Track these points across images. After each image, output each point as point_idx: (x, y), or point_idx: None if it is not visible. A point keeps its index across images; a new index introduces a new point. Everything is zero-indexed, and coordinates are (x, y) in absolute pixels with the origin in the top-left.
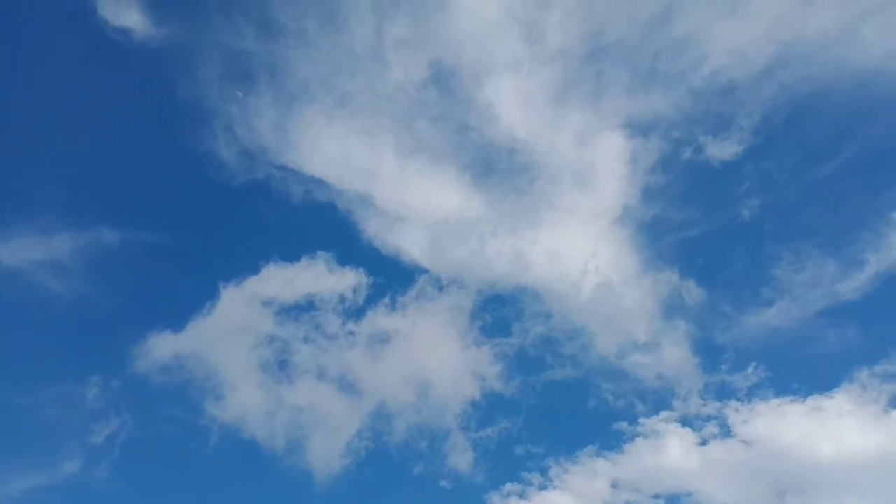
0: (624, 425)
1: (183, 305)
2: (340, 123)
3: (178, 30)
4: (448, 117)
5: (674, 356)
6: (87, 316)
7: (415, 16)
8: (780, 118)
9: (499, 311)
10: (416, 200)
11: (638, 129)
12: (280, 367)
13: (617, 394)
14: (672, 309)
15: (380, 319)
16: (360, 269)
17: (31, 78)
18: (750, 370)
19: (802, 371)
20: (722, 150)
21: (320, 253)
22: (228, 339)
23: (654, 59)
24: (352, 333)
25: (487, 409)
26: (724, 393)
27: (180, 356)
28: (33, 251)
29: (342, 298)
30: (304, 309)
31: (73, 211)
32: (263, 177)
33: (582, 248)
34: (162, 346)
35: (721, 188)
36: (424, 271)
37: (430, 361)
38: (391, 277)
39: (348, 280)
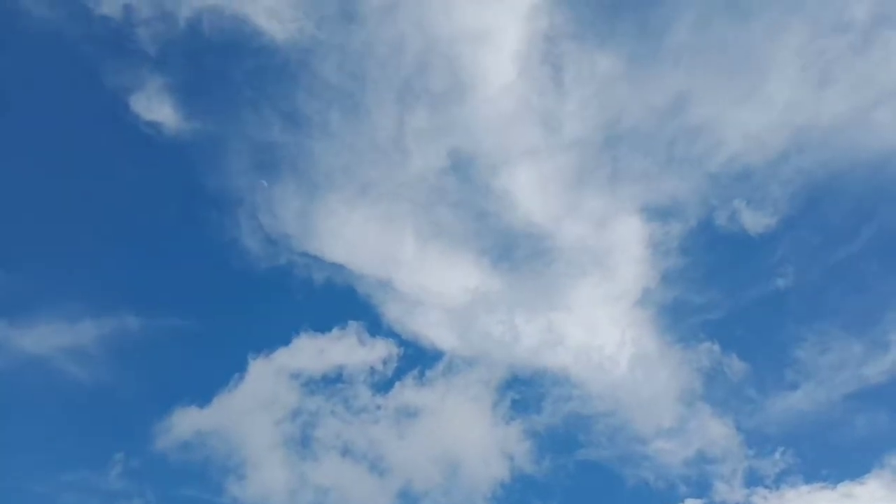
0: None
1: (211, 380)
2: (362, 211)
3: (207, 123)
4: (467, 203)
5: (699, 441)
6: (109, 400)
7: (435, 107)
8: (798, 201)
9: (523, 392)
10: (435, 284)
11: (655, 213)
12: (305, 442)
13: (641, 480)
14: (696, 393)
15: (407, 394)
16: (390, 340)
17: (62, 169)
18: (777, 455)
19: (832, 456)
20: (740, 233)
21: (351, 323)
22: (253, 414)
23: (670, 145)
24: (379, 408)
25: (518, 491)
26: (751, 479)
27: (202, 433)
28: (57, 338)
29: (372, 371)
30: (331, 381)
31: (97, 299)
32: (286, 263)
33: (603, 331)
34: (185, 423)
35: (741, 271)
36: (442, 354)
37: (458, 440)
38: (410, 360)
39: (378, 352)
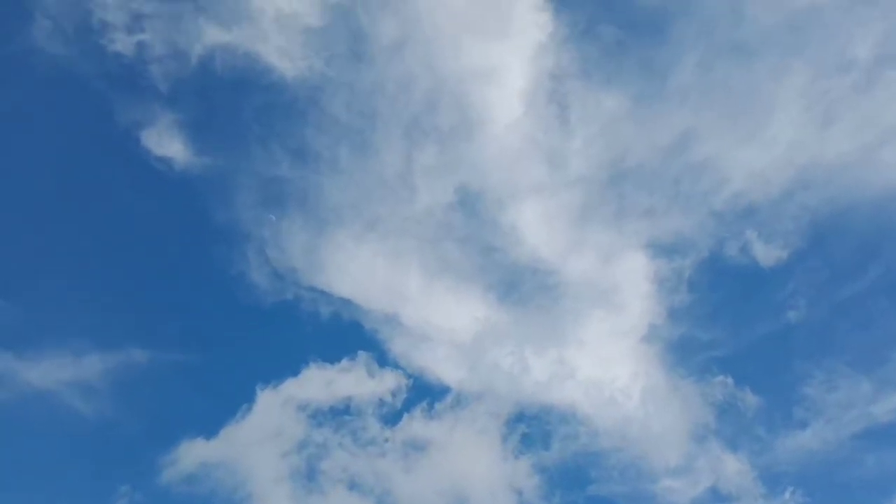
0: None
1: (218, 411)
2: (369, 246)
3: (217, 158)
4: (474, 239)
5: (707, 481)
6: (115, 434)
7: (443, 144)
8: (804, 238)
9: (531, 427)
10: (442, 319)
11: (661, 249)
12: (311, 475)
13: None
14: (707, 428)
15: (415, 427)
16: (399, 372)
17: (72, 202)
18: (787, 495)
19: (842, 497)
20: (746, 270)
21: (360, 353)
22: (261, 445)
23: (675, 182)
24: (387, 440)
25: None
26: None
27: (208, 465)
28: (63, 372)
29: (380, 403)
30: (339, 412)
31: (104, 332)
32: (293, 298)
33: (611, 366)
34: (192, 455)
35: (749, 305)
36: (449, 389)
37: (466, 474)
38: (418, 393)
39: (387, 383)
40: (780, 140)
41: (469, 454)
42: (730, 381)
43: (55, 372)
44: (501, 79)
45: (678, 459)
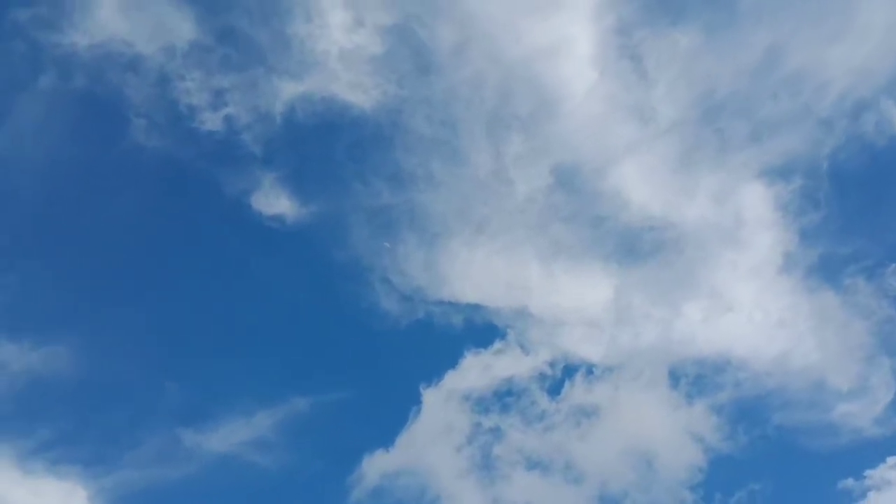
0: (850, 482)
1: (390, 422)
2: (482, 248)
3: (322, 204)
4: (580, 214)
5: (885, 398)
6: (299, 475)
7: (527, 130)
8: None
9: (689, 383)
10: (570, 301)
11: (775, 173)
12: (488, 464)
13: (832, 450)
14: (868, 347)
15: (579, 395)
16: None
17: (208, 282)
18: None
19: None
20: (870, 170)
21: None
22: (434, 444)
23: (772, 101)
24: (556, 412)
25: (718, 473)
26: None
27: (390, 474)
28: (238, 435)
29: (541, 376)
30: (502, 395)
31: (265, 390)
32: (424, 315)
33: (752, 306)
34: (373, 469)
35: (884, 208)
36: (594, 366)
37: (642, 434)
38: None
39: (543, 356)
40: (874, 27)
41: (640, 413)
42: (885, 291)
43: (232, 436)
44: (568, 50)
45: (850, 383)
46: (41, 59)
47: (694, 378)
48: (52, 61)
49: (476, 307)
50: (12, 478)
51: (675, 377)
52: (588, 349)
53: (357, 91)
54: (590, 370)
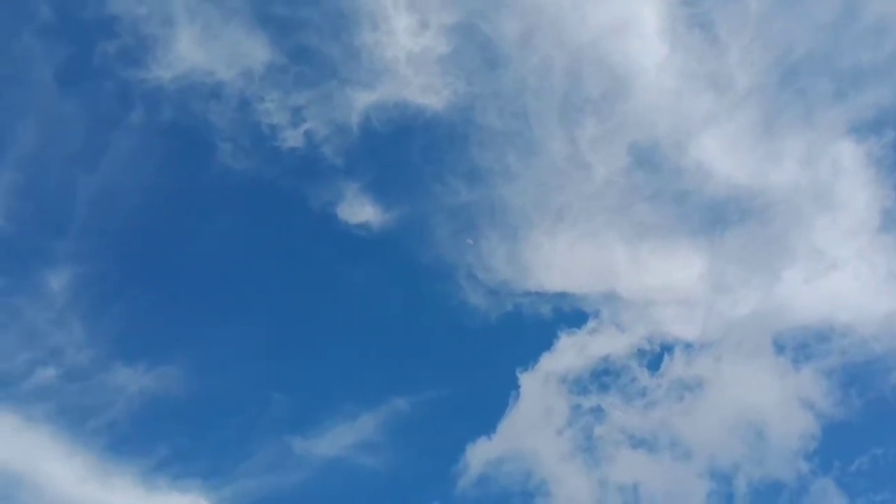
0: None
1: (490, 410)
2: (564, 235)
3: (405, 208)
4: (663, 192)
5: None
6: (405, 472)
7: (600, 113)
8: None
9: (795, 345)
10: (659, 280)
11: (865, 128)
12: (592, 445)
13: None
14: None
15: (679, 370)
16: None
17: (307, 294)
18: None
19: None
20: None
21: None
22: (535, 428)
23: (853, 54)
24: (658, 388)
25: (834, 439)
26: None
27: (493, 462)
28: (345, 438)
29: (640, 353)
30: (600, 374)
31: (366, 393)
32: (513, 308)
33: (853, 268)
34: (477, 457)
35: None
36: (690, 345)
37: (748, 402)
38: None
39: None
40: None
41: (745, 384)
42: None
43: (338, 440)
44: (635, 26)
45: None
46: (130, 95)
47: (799, 344)
48: (140, 97)
49: (563, 295)
50: (137, 495)
51: (779, 344)
52: (682, 328)
53: (428, 93)
54: (688, 345)
